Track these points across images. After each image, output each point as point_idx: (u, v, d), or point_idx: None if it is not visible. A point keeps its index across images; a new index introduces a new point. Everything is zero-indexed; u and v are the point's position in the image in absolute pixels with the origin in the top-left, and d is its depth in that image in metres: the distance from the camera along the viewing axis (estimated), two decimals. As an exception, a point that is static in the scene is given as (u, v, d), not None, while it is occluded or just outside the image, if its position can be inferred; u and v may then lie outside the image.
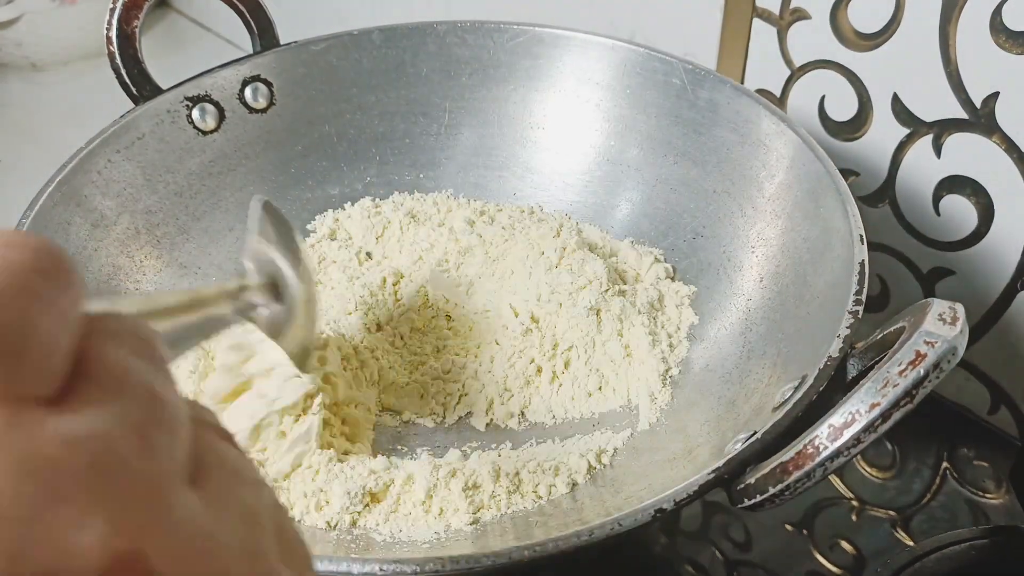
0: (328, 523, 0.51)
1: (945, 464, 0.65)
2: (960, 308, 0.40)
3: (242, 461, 0.23)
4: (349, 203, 0.73)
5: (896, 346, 0.39)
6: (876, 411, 0.36)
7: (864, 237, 0.51)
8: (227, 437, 0.24)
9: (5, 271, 0.18)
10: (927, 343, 0.37)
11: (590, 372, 0.61)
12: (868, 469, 0.64)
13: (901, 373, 0.37)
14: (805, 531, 0.60)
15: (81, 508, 0.17)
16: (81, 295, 0.20)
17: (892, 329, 0.43)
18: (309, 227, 0.72)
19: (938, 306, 0.40)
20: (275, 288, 0.43)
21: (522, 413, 0.60)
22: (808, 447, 0.37)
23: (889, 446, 0.66)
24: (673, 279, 0.66)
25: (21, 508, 0.17)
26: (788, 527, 0.61)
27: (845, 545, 0.60)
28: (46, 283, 0.19)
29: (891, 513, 0.61)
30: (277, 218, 0.49)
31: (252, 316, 0.42)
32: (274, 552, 0.22)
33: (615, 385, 0.61)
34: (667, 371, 0.61)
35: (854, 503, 0.62)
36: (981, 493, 0.63)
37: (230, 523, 0.21)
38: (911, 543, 0.59)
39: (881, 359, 0.40)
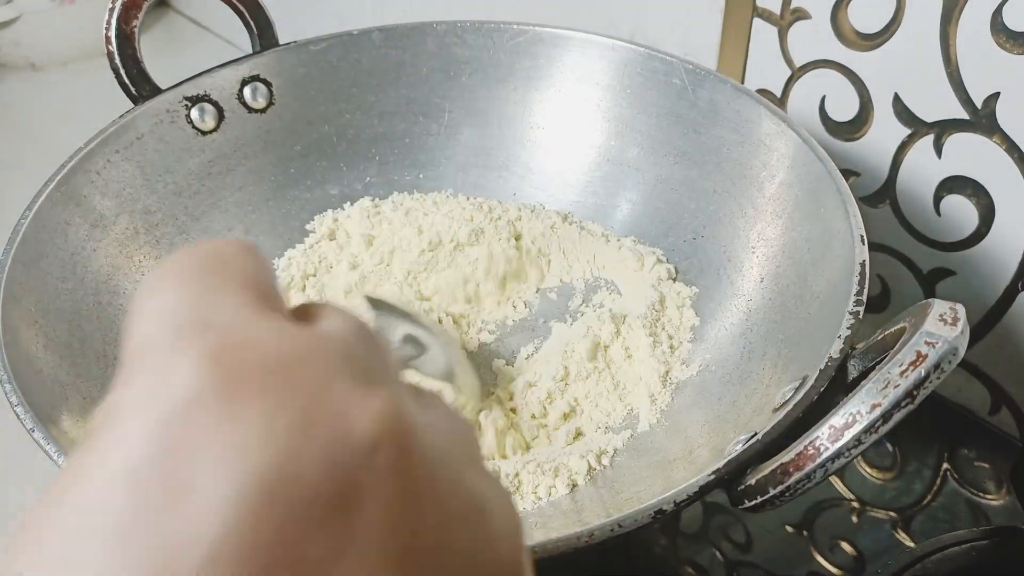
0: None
1: (946, 465, 0.65)
2: (961, 309, 0.40)
3: (444, 403, 0.25)
4: (348, 203, 0.73)
5: (897, 347, 0.39)
6: (877, 412, 0.36)
7: (865, 237, 0.50)
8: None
9: (226, 245, 0.23)
10: (928, 344, 0.37)
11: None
12: (868, 470, 0.64)
13: (902, 374, 0.37)
14: (805, 532, 0.60)
15: (349, 386, 0.20)
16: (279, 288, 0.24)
17: (893, 330, 0.43)
18: (308, 227, 0.72)
19: (939, 307, 0.40)
20: (415, 343, 0.46)
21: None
22: (809, 448, 0.37)
23: (890, 447, 0.66)
24: (675, 280, 0.66)
25: (310, 382, 0.19)
26: (788, 528, 0.61)
27: (845, 546, 0.60)
28: (258, 256, 0.23)
29: (891, 514, 0.61)
30: (380, 303, 0.52)
31: (409, 367, 0.45)
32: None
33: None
34: (667, 372, 0.61)
35: (854, 504, 0.62)
36: (982, 494, 0.63)
37: (449, 421, 0.24)
38: (912, 544, 0.59)
39: (882, 360, 0.40)
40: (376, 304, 0.51)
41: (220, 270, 0.22)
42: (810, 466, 0.37)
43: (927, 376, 0.36)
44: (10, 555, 0.17)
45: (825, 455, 0.37)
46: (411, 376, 0.54)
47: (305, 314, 0.23)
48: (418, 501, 0.19)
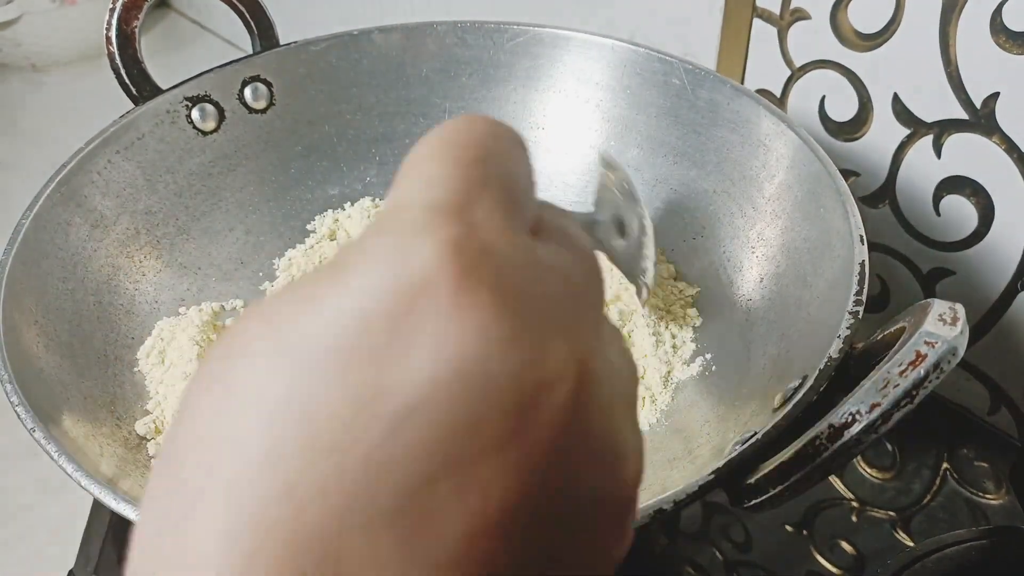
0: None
1: (945, 465, 0.65)
2: (960, 308, 0.40)
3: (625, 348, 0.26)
4: (349, 203, 0.73)
5: (896, 346, 0.39)
6: (877, 412, 0.36)
7: (864, 237, 0.51)
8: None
9: (493, 133, 0.23)
10: (927, 344, 0.37)
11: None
12: (868, 470, 0.64)
13: (902, 373, 0.37)
14: (805, 532, 0.60)
15: (559, 321, 0.21)
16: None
17: (892, 329, 0.43)
18: (309, 227, 0.72)
19: (938, 306, 0.40)
20: (620, 227, 0.46)
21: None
22: (808, 448, 0.37)
23: (889, 447, 0.66)
24: (676, 279, 0.66)
25: (529, 306, 0.20)
26: (788, 528, 0.61)
27: (845, 546, 0.60)
28: (520, 147, 0.24)
29: (891, 514, 0.61)
30: (614, 165, 0.52)
31: (606, 247, 0.44)
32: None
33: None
34: (669, 372, 0.61)
35: (854, 504, 0.62)
36: (981, 494, 0.63)
37: (623, 361, 0.24)
38: (911, 544, 0.59)
39: (881, 359, 0.40)
40: (607, 161, 0.51)
41: (491, 162, 0.22)
42: (810, 466, 0.37)
43: (926, 376, 0.37)
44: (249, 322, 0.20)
45: (825, 455, 0.37)
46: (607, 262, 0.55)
47: (546, 227, 0.24)
48: (579, 438, 0.21)
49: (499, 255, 0.20)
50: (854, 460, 0.64)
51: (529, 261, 0.21)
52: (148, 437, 0.56)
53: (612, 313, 0.64)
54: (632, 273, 0.50)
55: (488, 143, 0.23)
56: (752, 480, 0.40)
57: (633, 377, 0.25)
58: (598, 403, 0.21)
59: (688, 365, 0.61)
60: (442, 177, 0.21)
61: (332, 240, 0.71)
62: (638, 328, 0.62)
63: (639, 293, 0.53)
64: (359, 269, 0.20)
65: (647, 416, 0.59)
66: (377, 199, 0.74)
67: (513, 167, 0.23)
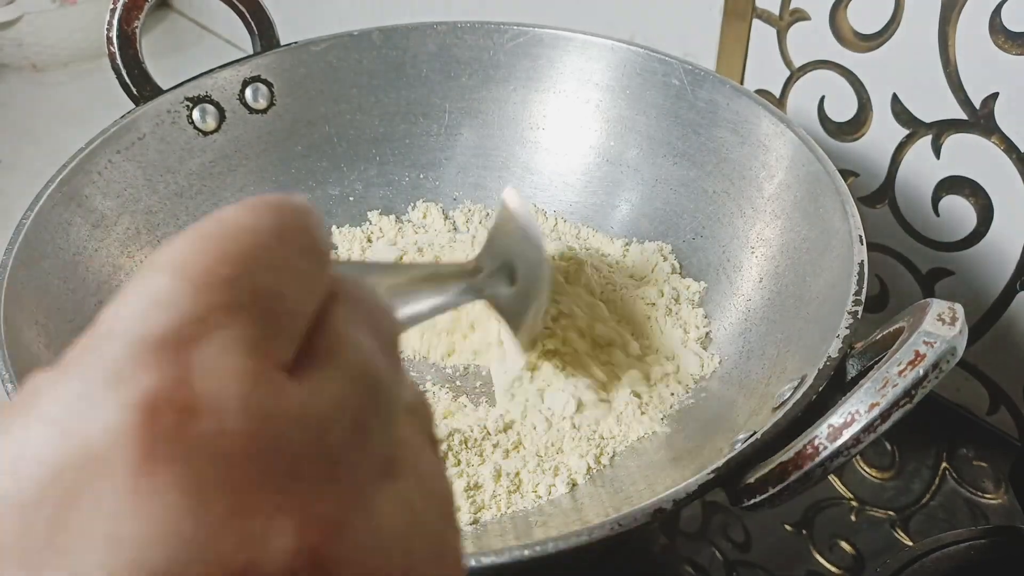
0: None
1: (944, 464, 0.65)
2: (959, 308, 0.40)
3: (437, 468, 0.22)
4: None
5: (895, 346, 0.39)
6: (875, 411, 0.36)
7: (863, 237, 0.51)
8: (432, 438, 0.23)
9: (258, 234, 0.19)
10: (926, 343, 0.37)
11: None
12: (867, 469, 0.64)
13: (900, 373, 0.37)
14: (804, 531, 0.60)
15: (283, 496, 0.17)
16: (329, 258, 0.21)
17: (891, 329, 0.43)
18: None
19: (937, 306, 0.40)
20: (510, 273, 0.45)
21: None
22: (808, 447, 0.38)
23: (888, 446, 0.66)
24: (681, 275, 0.66)
25: (240, 483, 0.16)
26: (787, 527, 0.61)
27: (844, 545, 0.60)
28: (297, 247, 0.20)
29: (890, 513, 0.61)
30: (520, 211, 0.49)
31: (488, 296, 0.43)
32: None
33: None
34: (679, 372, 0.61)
35: (853, 503, 0.62)
36: (980, 493, 0.63)
37: (415, 530, 0.20)
38: (910, 543, 0.59)
39: (880, 359, 0.40)
40: (512, 202, 0.49)
41: (250, 279, 0.18)
42: (809, 465, 0.37)
43: (925, 376, 0.37)
44: None
45: (824, 454, 0.37)
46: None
47: (326, 343, 0.20)
48: None
49: (208, 416, 0.16)
50: (853, 460, 0.64)
51: (263, 414, 0.17)
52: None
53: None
54: (514, 323, 0.48)
55: (255, 251, 0.19)
56: (752, 480, 0.40)
57: (444, 521, 0.21)
58: None
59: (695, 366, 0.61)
60: (172, 299, 0.17)
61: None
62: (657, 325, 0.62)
63: (521, 344, 0.51)
64: (26, 430, 0.16)
65: (654, 414, 0.59)
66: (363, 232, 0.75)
67: (274, 276, 0.19)
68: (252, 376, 0.17)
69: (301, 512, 0.17)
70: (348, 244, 0.72)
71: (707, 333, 0.63)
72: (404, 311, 0.32)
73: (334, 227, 0.73)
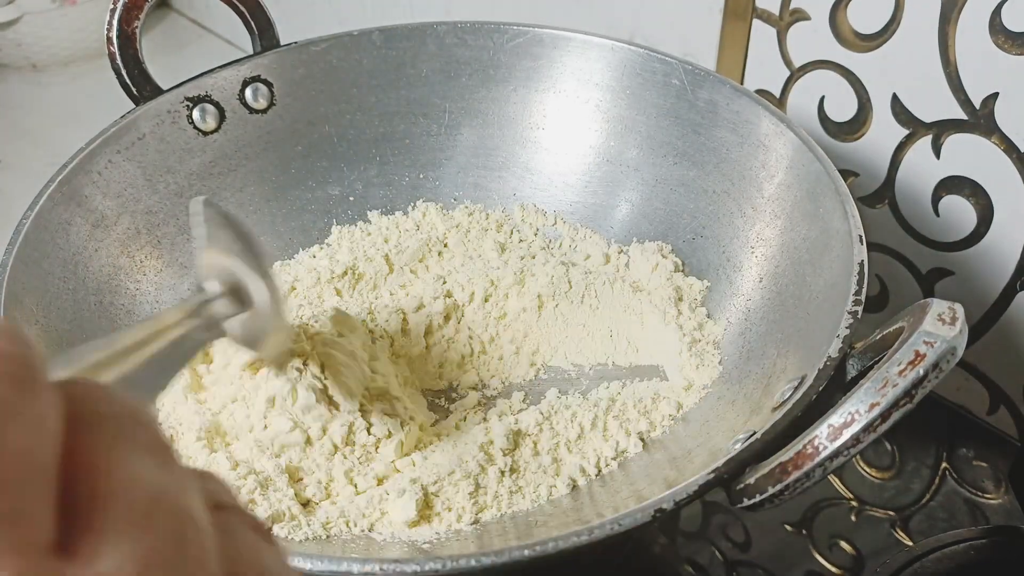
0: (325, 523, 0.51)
1: (944, 464, 0.65)
2: (959, 308, 0.40)
3: (270, 555, 0.21)
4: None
5: (895, 346, 0.39)
6: (875, 411, 0.36)
7: (863, 237, 0.51)
8: (251, 523, 0.21)
9: None
10: (926, 343, 0.37)
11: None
12: (867, 469, 0.64)
13: (900, 373, 0.37)
14: (804, 531, 0.61)
15: None
16: (45, 378, 0.17)
17: (891, 329, 0.43)
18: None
19: (937, 306, 0.40)
20: (239, 293, 0.41)
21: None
22: (808, 447, 0.38)
23: (888, 446, 0.66)
24: (684, 273, 0.66)
25: None
26: (787, 527, 0.61)
27: (844, 545, 0.60)
28: (8, 383, 0.16)
29: (890, 513, 0.61)
30: (224, 217, 0.46)
31: (222, 329, 0.40)
32: None
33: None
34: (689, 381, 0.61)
35: (853, 503, 0.62)
36: (980, 493, 0.63)
37: None
38: (910, 543, 0.59)
39: (880, 359, 0.40)
40: (212, 210, 0.45)
41: None
42: (809, 465, 0.37)
43: (925, 376, 0.37)
44: None
45: (824, 454, 0.37)
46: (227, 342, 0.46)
47: (80, 479, 0.17)
48: None
49: None
50: (853, 460, 0.64)
51: None
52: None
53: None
54: (262, 346, 0.44)
55: None
56: (752, 479, 0.40)
57: None
58: None
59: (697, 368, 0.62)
60: None
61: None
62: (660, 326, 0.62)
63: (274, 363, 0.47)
64: None
65: (662, 413, 0.59)
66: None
67: (11, 434, 0.16)
68: None
69: None
70: (348, 243, 0.71)
71: (714, 339, 0.63)
72: (142, 388, 0.29)
73: (334, 223, 0.73)
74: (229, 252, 0.42)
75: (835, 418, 0.37)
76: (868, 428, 0.36)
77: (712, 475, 0.40)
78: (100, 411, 0.18)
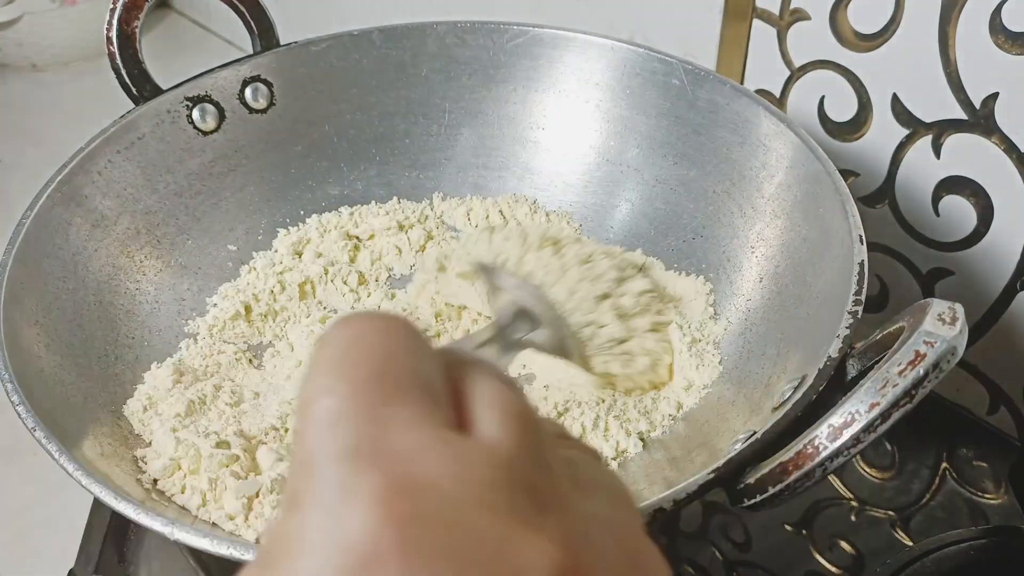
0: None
1: (944, 464, 0.65)
2: (959, 308, 0.40)
3: (608, 473, 0.26)
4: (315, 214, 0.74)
5: (896, 346, 0.39)
6: (876, 411, 0.36)
7: (863, 237, 0.51)
8: (585, 449, 0.27)
9: (380, 331, 0.23)
10: (926, 343, 0.37)
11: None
12: (867, 469, 0.64)
13: (900, 373, 0.37)
14: (804, 531, 0.60)
15: (524, 525, 0.20)
16: (434, 350, 0.24)
17: (891, 329, 0.43)
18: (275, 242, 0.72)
19: (937, 306, 0.40)
20: (528, 317, 0.45)
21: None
22: (808, 447, 0.37)
23: (888, 446, 0.66)
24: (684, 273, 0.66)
25: (488, 534, 0.19)
26: (787, 527, 0.61)
27: (844, 545, 0.60)
28: (408, 334, 0.23)
29: (890, 513, 0.61)
30: (484, 266, 0.52)
31: (528, 344, 0.44)
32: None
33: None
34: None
35: (853, 503, 0.62)
36: (980, 493, 0.63)
37: (619, 530, 0.23)
38: (910, 543, 0.59)
39: (880, 359, 0.40)
40: (488, 272, 0.51)
41: (389, 373, 0.21)
42: (809, 465, 0.37)
43: (925, 376, 0.37)
44: None
45: (824, 454, 0.37)
46: (528, 355, 0.55)
47: (468, 401, 0.23)
48: None
49: (434, 489, 0.19)
50: (854, 460, 0.64)
51: (470, 473, 0.20)
52: (147, 438, 0.56)
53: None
54: (568, 352, 0.50)
55: (378, 352, 0.22)
56: (752, 479, 0.40)
57: (630, 510, 0.25)
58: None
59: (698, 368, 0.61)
60: (343, 413, 0.21)
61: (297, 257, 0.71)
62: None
63: (587, 369, 0.53)
64: (297, 564, 0.19)
65: (663, 413, 0.58)
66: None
67: (413, 363, 0.22)
68: (442, 442, 0.20)
69: (547, 541, 0.20)
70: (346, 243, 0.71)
71: (714, 339, 0.62)
72: None
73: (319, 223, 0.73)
74: (505, 286, 0.48)
75: (835, 418, 0.37)
76: (868, 428, 0.36)
77: (712, 475, 0.40)
78: (466, 358, 0.25)
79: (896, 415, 0.36)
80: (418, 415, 0.21)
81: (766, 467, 0.39)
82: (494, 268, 0.52)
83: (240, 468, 0.52)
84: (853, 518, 0.61)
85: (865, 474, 0.64)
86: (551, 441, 0.24)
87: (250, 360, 0.63)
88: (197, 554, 0.60)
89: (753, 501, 0.40)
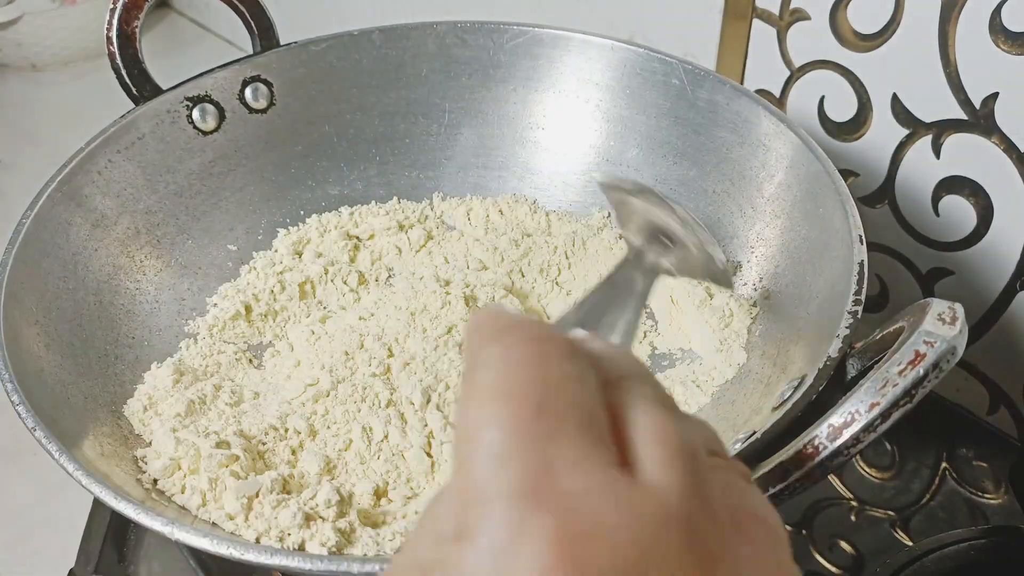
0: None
1: (944, 464, 0.65)
2: (959, 308, 0.40)
3: (762, 502, 0.26)
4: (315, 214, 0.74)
5: (895, 346, 0.39)
6: (876, 411, 0.36)
7: (863, 237, 0.51)
8: (736, 469, 0.26)
9: (535, 358, 0.23)
10: (926, 343, 0.37)
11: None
12: (867, 469, 0.64)
13: (900, 373, 0.37)
14: (804, 531, 0.61)
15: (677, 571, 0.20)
16: (584, 354, 0.24)
17: (891, 329, 0.43)
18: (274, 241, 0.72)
19: (937, 306, 0.40)
20: (662, 235, 0.44)
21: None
22: (808, 447, 0.37)
23: (888, 446, 0.66)
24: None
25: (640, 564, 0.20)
26: (787, 527, 0.61)
27: (844, 545, 0.60)
28: (562, 355, 0.23)
29: (890, 513, 0.61)
30: (615, 182, 0.51)
31: (662, 269, 0.43)
32: None
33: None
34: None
35: (853, 503, 0.62)
36: (980, 493, 0.63)
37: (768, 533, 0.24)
38: (910, 543, 0.59)
39: (880, 359, 0.40)
40: (608, 187, 0.50)
41: (551, 406, 0.22)
42: (809, 465, 0.37)
43: (925, 375, 0.37)
44: None
45: (824, 454, 0.37)
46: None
47: (631, 439, 0.23)
48: None
49: (608, 537, 0.20)
50: (854, 460, 0.64)
51: (642, 522, 0.20)
52: (147, 438, 0.56)
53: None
54: (707, 271, 0.48)
55: (536, 376, 0.22)
56: (752, 479, 0.40)
57: (784, 549, 0.25)
58: None
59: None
60: (510, 449, 0.21)
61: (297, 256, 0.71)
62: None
63: (726, 285, 0.51)
64: None
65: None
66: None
67: (574, 393, 0.22)
68: (609, 485, 0.21)
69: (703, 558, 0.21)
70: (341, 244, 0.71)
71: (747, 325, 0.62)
72: (618, 332, 0.33)
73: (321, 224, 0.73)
74: (633, 206, 0.47)
75: (835, 418, 0.37)
76: (868, 428, 0.36)
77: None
78: (620, 373, 0.25)
79: (896, 415, 0.36)
80: (583, 455, 0.21)
81: (766, 467, 0.39)
82: (625, 181, 0.51)
83: (240, 468, 0.52)
84: (853, 518, 0.61)
85: (865, 474, 0.64)
86: (710, 472, 0.24)
87: (250, 360, 0.63)
88: (197, 554, 0.60)
89: (753, 501, 0.40)
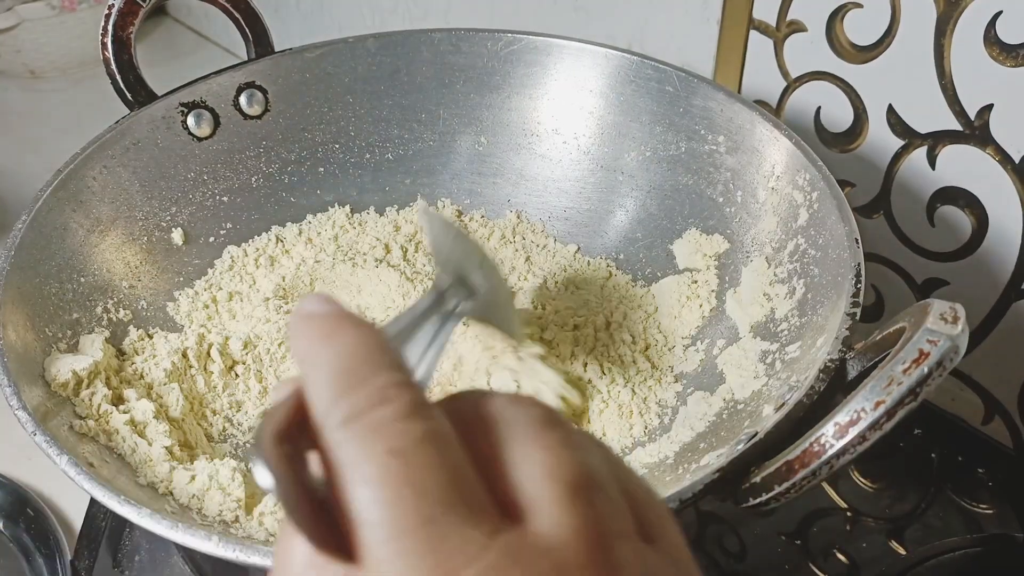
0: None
1: (938, 473, 0.65)
2: (960, 308, 0.40)
3: (673, 528, 0.25)
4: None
5: (899, 345, 0.39)
6: (881, 408, 0.36)
7: (860, 240, 0.51)
8: (646, 488, 0.25)
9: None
10: (930, 341, 0.37)
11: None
12: (862, 479, 0.64)
13: (905, 371, 0.37)
14: (799, 541, 0.60)
15: None
16: (441, 414, 0.22)
17: (892, 330, 0.43)
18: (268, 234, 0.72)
19: (939, 306, 0.40)
20: (466, 281, 0.45)
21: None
22: (814, 445, 0.38)
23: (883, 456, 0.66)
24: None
25: None
26: (782, 537, 0.61)
27: (839, 555, 0.60)
28: (424, 423, 0.21)
29: (885, 523, 0.61)
30: (440, 222, 0.51)
31: (461, 312, 0.43)
32: None
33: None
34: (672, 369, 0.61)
35: (848, 513, 0.62)
36: (974, 503, 0.63)
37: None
38: (904, 552, 0.59)
39: (881, 359, 0.40)
40: (431, 218, 0.50)
41: (428, 493, 0.20)
42: (815, 463, 0.37)
43: (929, 373, 0.37)
44: None
45: (830, 452, 0.37)
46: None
47: (503, 470, 0.22)
48: None
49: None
50: (848, 470, 0.64)
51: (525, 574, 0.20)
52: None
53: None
54: (500, 324, 0.49)
55: (414, 468, 0.21)
56: (758, 479, 0.40)
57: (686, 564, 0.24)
58: None
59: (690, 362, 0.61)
60: (403, 538, 0.20)
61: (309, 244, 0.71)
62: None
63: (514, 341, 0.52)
64: None
65: (653, 419, 0.58)
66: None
67: (443, 471, 0.21)
68: (498, 557, 0.20)
69: None
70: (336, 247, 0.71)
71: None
72: (424, 373, 0.33)
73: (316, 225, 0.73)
74: (446, 246, 0.47)
75: (841, 416, 0.37)
76: (874, 426, 0.36)
77: (716, 475, 0.40)
78: (479, 409, 0.23)
79: (901, 413, 0.36)
80: (467, 538, 0.20)
81: (772, 465, 0.39)
82: (437, 220, 0.51)
83: (239, 468, 0.51)
84: (848, 528, 0.61)
85: (860, 484, 0.64)
86: (613, 505, 0.23)
87: (242, 360, 0.63)
88: (193, 556, 0.59)
89: (759, 500, 0.40)
